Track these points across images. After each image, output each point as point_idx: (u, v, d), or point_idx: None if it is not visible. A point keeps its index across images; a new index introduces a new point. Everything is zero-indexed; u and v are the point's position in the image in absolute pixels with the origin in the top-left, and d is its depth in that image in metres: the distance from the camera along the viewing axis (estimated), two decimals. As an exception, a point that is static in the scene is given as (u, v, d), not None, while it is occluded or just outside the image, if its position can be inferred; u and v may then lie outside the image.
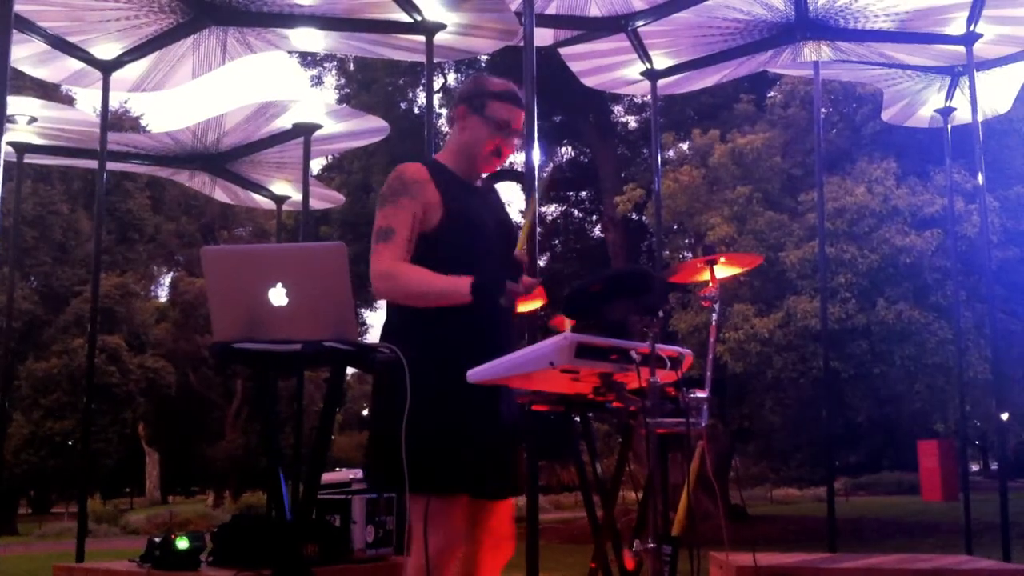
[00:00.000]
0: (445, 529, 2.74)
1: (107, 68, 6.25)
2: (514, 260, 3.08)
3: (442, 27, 5.77)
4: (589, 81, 7.09)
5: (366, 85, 20.10)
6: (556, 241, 21.85)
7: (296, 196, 8.23)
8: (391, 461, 2.65)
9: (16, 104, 6.68)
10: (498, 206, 3.22)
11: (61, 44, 5.97)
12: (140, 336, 27.97)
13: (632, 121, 20.76)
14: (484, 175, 3.15)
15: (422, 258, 2.87)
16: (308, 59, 20.95)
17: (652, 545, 2.84)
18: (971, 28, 5.92)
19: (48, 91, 17.72)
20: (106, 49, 6.12)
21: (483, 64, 18.02)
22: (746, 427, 16.04)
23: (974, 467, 38.69)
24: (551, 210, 21.93)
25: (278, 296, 2.51)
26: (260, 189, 8.37)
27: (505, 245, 3.08)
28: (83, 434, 8.25)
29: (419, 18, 5.70)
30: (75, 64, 6.25)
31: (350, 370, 2.93)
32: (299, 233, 8.09)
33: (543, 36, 6.24)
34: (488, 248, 2.98)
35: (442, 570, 2.74)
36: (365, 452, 2.99)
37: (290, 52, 17.25)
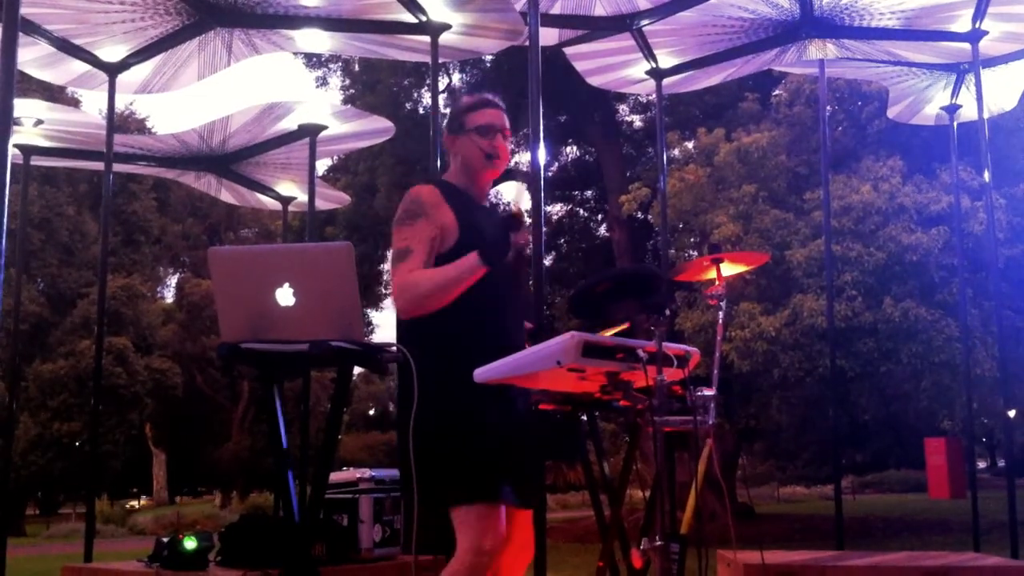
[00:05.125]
0: (493, 533, 2.76)
1: (113, 70, 6.26)
2: (522, 276, 3.11)
3: (447, 27, 5.77)
4: (594, 80, 7.08)
5: (371, 86, 20.09)
6: (561, 240, 21.82)
7: (302, 197, 8.24)
8: (435, 472, 2.71)
9: (22, 106, 6.69)
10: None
11: (67, 46, 5.99)
12: (147, 337, 28.05)
13: (637, 120, 20.74)
14: (489, 186, 3.18)
15: None
16: (313, 60, 20.95)
17: (660, 543, 2.84)
18: (977, 25, 5.91)
19: (54, 93, 17.77)
20: (112, 51, 6.14)
21: (488, 64, 18.02)
22: (753, 426, 16.01)
23: (981, 464, 38.57)
24: (556, 209, 21.91)
25: (285, 296, 2.51)
26: (266, 190, 8.38)
27: (512, 260, 3.09)
28: (90, 435, 8.27)
29: (424, 18, 5.70)
30: (81, 66, 6.26)
31: (357, 370, 2.93)
32: (305, 234, 8.10)
33: (548, 36, 6.24)
34: (501, 268, 2.98)
35: (483, 572, 2.77)
36: (399, 467, 2.96)
37: (295, 53, 17.29)
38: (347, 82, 21.39)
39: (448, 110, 3.21)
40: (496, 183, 3.35)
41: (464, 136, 3.05)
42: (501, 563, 2.99)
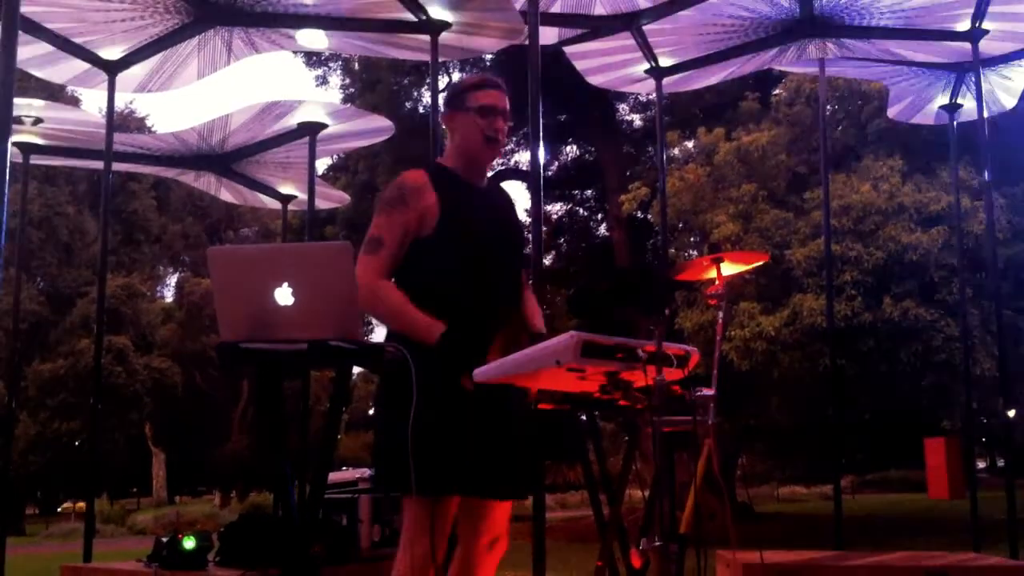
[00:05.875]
0: (435, 530, 2.73)
1: (113, 69, 6.26)
2: (515, 266, 3.08)
3: (447, 26, 5.77)
4: (594, 79, 7.08)
5: (371, 84, 20.10)
6: (561, 240, 21.82)
7: (301, 196, 8.24)
8: (386, 462, 2.74)
9: (22, 105, 6.69)
10: (504, 208, 3.18)
11: (67, 45, 5.98)
12: (146, 336, 28.09)
13: (637, 119, 20.76)
14: (488, 170, 3.15)
15: (416, 263, 2.87)
16: (313, 59, 20.96)
17: (659, 543, 2.84)
18: (977, 25, 5.91)
19: (54, 92, 17.78)
20: (112, 50, 6.13)
21: (488, 64, 18.03)
22: (752, 425, 15.99)
23: (981, 464, 38.54)
24: (556, 209, 21.91)
25: (284, 296, 2.51)
26: (266, 189, 8.38)
27: (507, 248, 3.06)
28: (90, 434, 8.27)
29: (424, 17, 5.70)
30: (81, 65, 6.26)
31: (356, 370, 2.92)
32: (305, 233, 8.10)
33: (548, 35, 6.23)
34: (485, 254, 2.95)
35: (426, 571, 2.74)
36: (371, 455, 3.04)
37: (295, 52, 17.28)
38: (347, 81, 21.41)
39: (449, 88, 3.17)
40: (497, 181, 3.33)
41: (464, 113, 3.02)
42: (476, 558, 2.97)
